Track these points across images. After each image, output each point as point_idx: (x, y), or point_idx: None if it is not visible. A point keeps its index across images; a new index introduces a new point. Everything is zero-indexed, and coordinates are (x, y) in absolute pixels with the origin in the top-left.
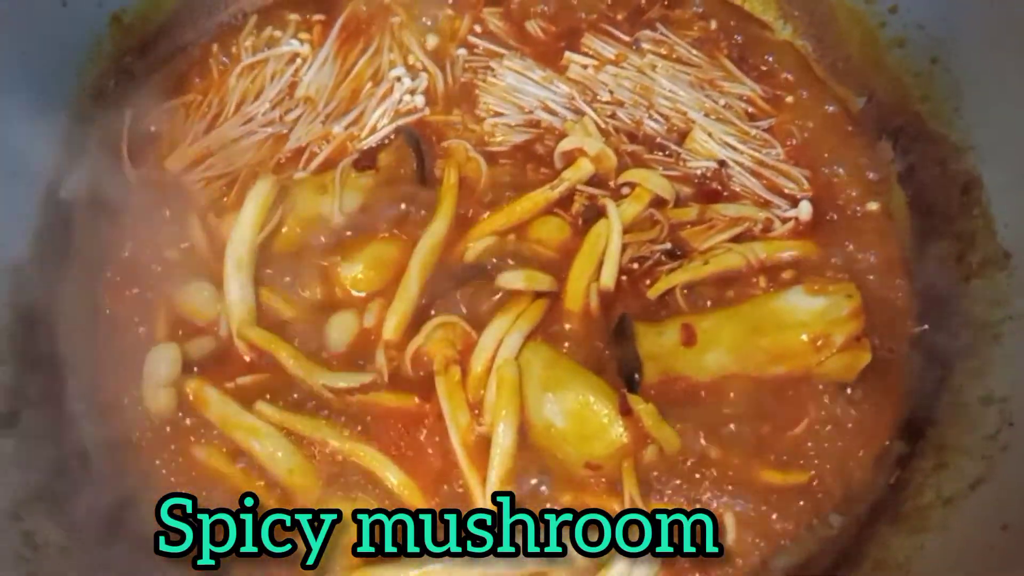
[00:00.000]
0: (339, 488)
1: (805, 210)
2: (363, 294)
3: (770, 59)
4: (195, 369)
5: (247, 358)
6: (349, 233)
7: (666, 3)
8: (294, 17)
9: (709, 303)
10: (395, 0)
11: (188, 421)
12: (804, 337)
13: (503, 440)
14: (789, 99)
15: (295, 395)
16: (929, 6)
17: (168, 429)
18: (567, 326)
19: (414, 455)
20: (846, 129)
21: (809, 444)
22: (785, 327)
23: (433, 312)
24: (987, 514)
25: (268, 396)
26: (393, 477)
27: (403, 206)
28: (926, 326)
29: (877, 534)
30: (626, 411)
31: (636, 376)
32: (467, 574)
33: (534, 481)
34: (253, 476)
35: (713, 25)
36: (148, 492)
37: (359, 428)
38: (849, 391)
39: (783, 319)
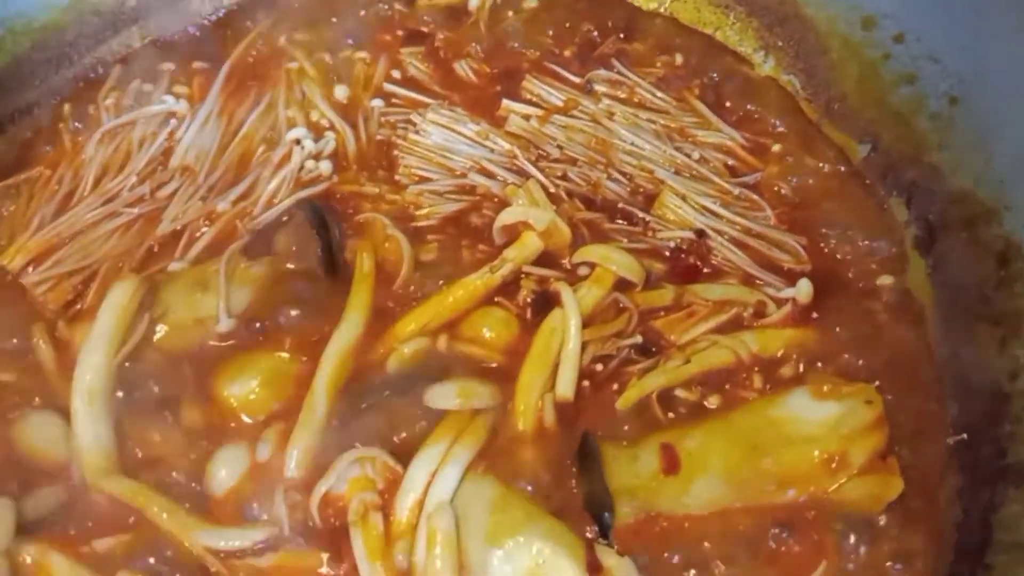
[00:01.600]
0: None
1: (804, 289)
2: (256, 419)
3: (750, 100)
4: (38, 530)
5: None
6: (237, 341)
7: (622, 35)
8: (167, 66)
9: (693, 413)
10: (292, 41)
11: None
12: (815, 455)
13: None
14: (776, 148)
15: (170, 560)
16: (945, 34)
17: None
18: (517, 449)
19: None
20: (849, 185)
21: None
22: (790, 443)
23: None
24: None
25: (134, 564)
26: None
27: (304, 304)
28: (964, 436)
29: None
30: (595, 568)
31: (606, 517)
32: None
33: None
34: None
35: (679, 60)
36: None
37: None
38: (875, 526)
39: (787, 432)
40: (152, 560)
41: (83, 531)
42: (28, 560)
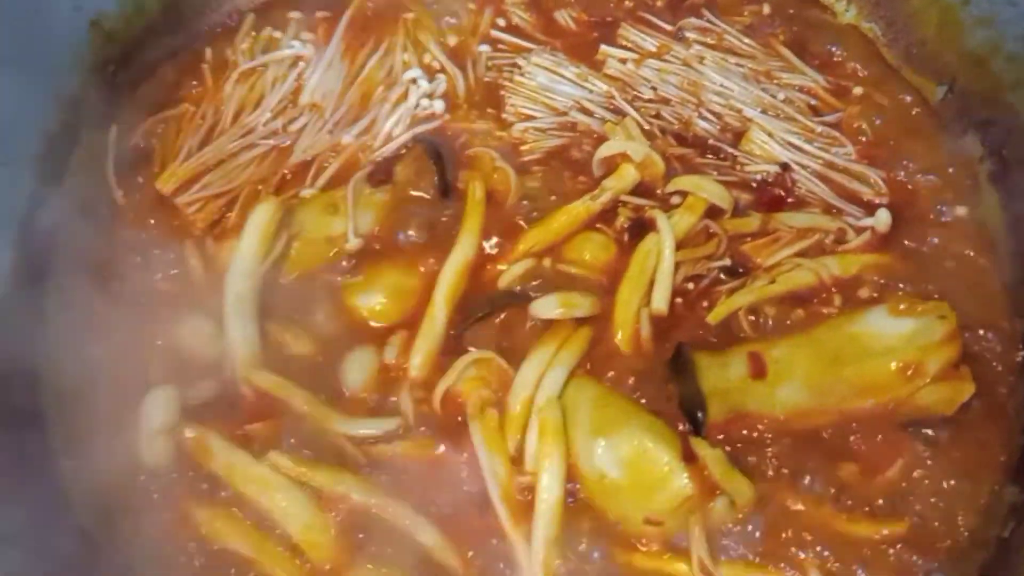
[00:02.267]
0: (363, 555)
1: (883, 219)
2: (383, 326)
3: (833, 46)
4: (197, 417)
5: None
6: (364, 257)
7: None
8: (295, 15)
9: (778, 328)
10: None
11: (189, 475)
12: (892, 366)
13: (548, 493)
14: (857, 90)
15: (311, 445)
16: None
17: (165, 486)
18: (617, 357)
19: (448, 511)
20: (926, 123)
21: (905, 489)
22: (869, 354)
23: (471, 347)
24: None
25: (280, 446)
26: (427, 538)
27: (423, 227)
28: None
29: None
30: (690, 458)
31: (699, 415)
32: None
33: (586, 540)
34: (262, 538)
35: (766, 9)
36: (145, 564)
37: (385, 481)
38: (948, 428)
39: (866, 345)
40: (294, 442)
41: (235, 418)
42: (189, 438)
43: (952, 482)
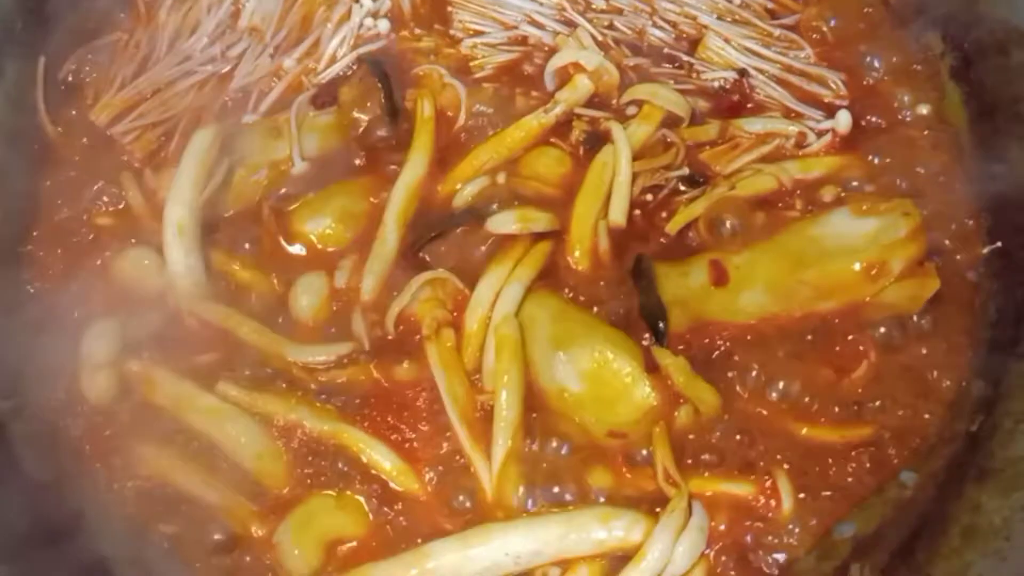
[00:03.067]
0: (318, 482)
1: (844, 120)
2: (333, 250)
3: None
4: (141, 350)
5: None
6: (311, 181)
7: None
8: None
9: (740, 234)
10: None
11: (131, 411)
12: (856, 266)
13: (507, 411)
14: None
15: (261, 374)
16: None
17: (110, 422)
18: (575, 271)
19: (405, 433)
20: (884, 20)
21: (871, 390)
22: (832, 256)
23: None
24: None
25: (229, 376)
26: (385, 461)
27: (369, 148)
28: (999, 243)
29: (964, 494)
30: (652, 367)
31: (661, 325)
32: (480, 556)
33: (550, 456)
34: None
35: None
36: (89, 506)
37: (339, 407)
38: (914, 325)
39: (828, 247)
40: (247, 372)
41: (182, 350)
42: (133, 370)
43: (918, 379)
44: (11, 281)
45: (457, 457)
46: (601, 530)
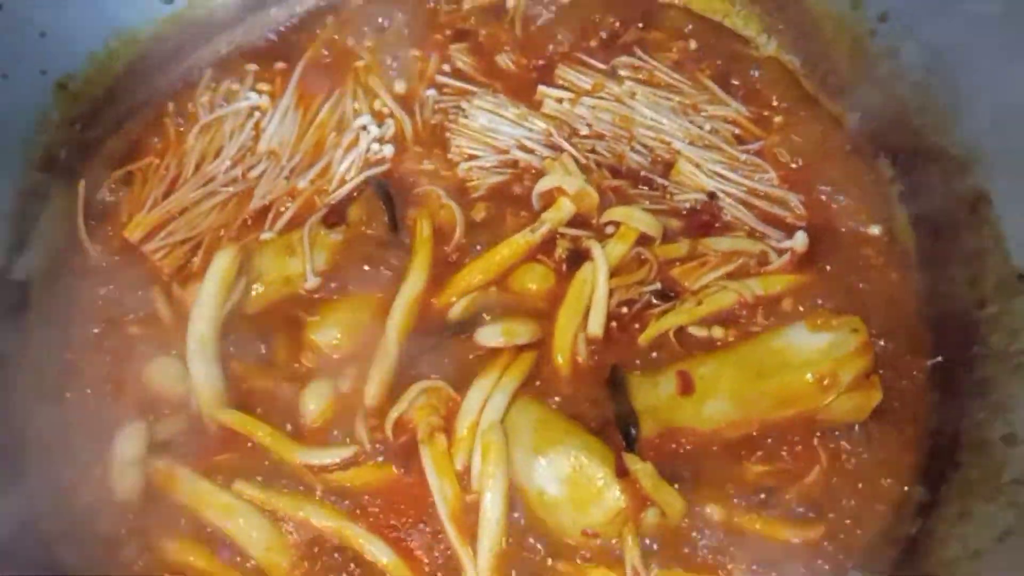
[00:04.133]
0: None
1: (801, 240)
2: (338, 358)
3: (756, 76)
4: (165, 451)
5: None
6: (320, 295)
7: (641, 25)
8: (251, 67)
9: (705, 347)
10: (360, 44)
11: (156, 507)
12: (809, 377)
13: (490, 511)
14: (778, 119)
15: (273, 474)
16: (921, 12)
17: (135, 518)
18: (557, 378)
19: (401, 529)
20: (842, 148)
21: (822, 494)
22: (789, 368)
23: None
24: (1018, 568)
25: (244, 476)
26: (382, 556)
27: (377, 264)
28: (940, 358)
29: None
30: (623, 472)
31: (632, 432)
32: None
33: (528, 553)
34: (224, 565)
35: (693, 45)
36: None
37: (342, 505)
38: (861, 433)
39: (786, 359)
40: (260, 477)
41: (202, 451)
42: (157, 469)
43: (865, 484)
44: (52, 389)
45: (449, 552)
46: None
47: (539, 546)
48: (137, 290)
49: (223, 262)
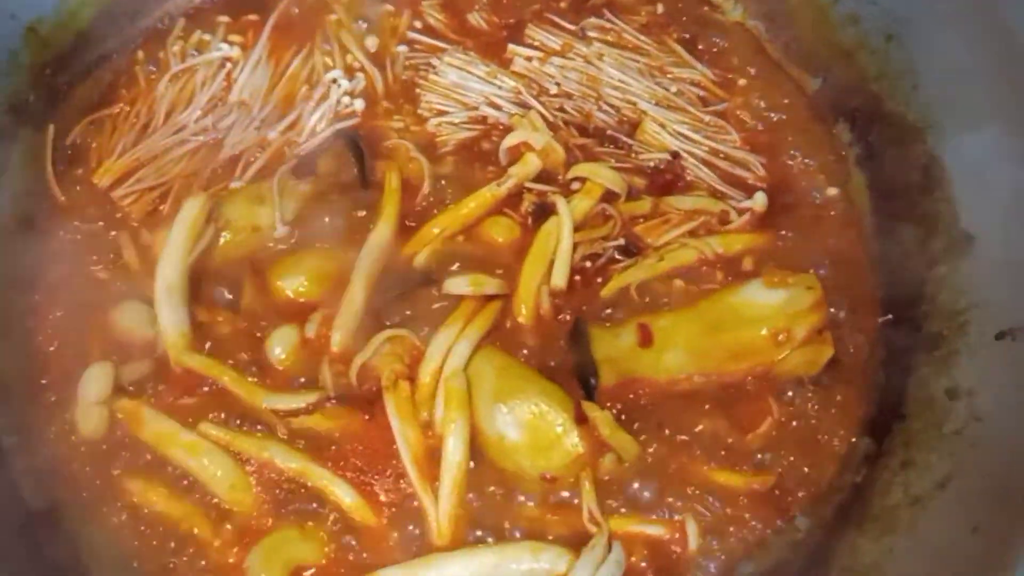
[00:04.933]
0: (286, 513)
1: (760, 200)
2: (305, 303)
3: (721, 42)
4: (132, 392)
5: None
6: (288, 244)
7: None
8: (223, 19)
9: (665, 300)
10: None
11: (122, 449)
12: (764, 332)
13: (452, 455)
14: (742, 82)
15: (238, 416)
16: None
17: (100, 457)
18: (520, 329)
19: (365, 473)
20: (802, 112)
21: (772, 444)
22: (745, 323)
23: (387, 323)
24: (956, 515)
25: (210, 418)
26: (345, 497)
27: (345, 215)
28: (890, 316)
29: (845, 537)
30: (582, 419)
31: (592, 381)
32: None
33: (489, 497)
34: (187, 503)
35: (660, 9)
36: (83, 527)
37: (306, 448)
38: (812, 387)
39: (742, 314)
40: (223, 415)
41: (169, 393)
42: (121, 410)
43: (814, 436)
44: (20, 331)
45: (410, 495)
46: (531, 561)
47: (499, 490)
48: (105, 235)
49: (192, 209)
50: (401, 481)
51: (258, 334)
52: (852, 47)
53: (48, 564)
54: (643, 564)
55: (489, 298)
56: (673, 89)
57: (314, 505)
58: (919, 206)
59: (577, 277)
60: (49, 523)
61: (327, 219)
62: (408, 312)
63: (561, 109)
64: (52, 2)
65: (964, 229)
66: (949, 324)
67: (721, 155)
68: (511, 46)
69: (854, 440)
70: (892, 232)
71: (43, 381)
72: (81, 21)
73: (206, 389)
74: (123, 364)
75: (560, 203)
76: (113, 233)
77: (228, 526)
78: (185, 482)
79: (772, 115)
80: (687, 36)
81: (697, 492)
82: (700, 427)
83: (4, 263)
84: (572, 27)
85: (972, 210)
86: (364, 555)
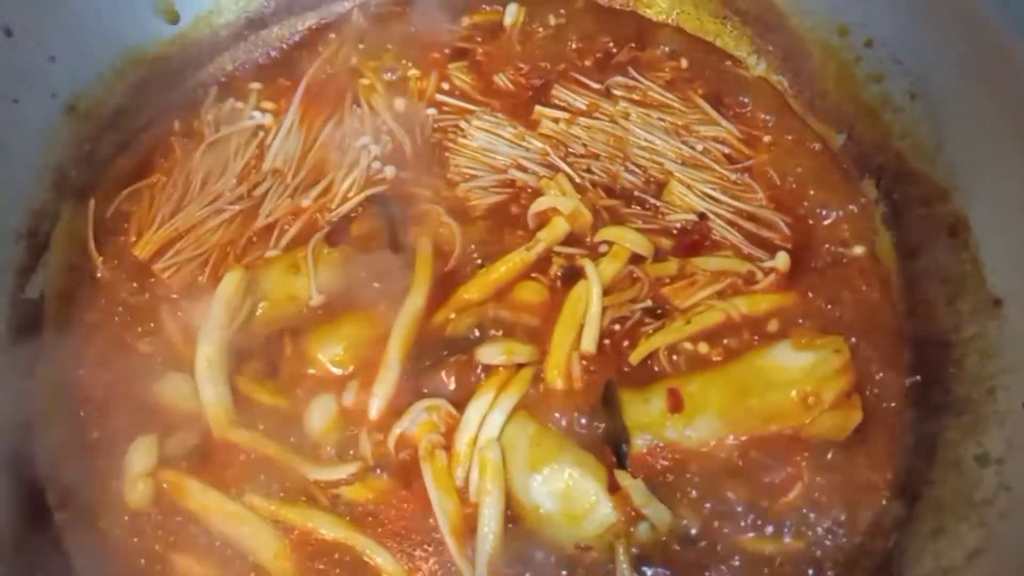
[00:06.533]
0: None
1: (783, 260)
2: (341, 372)
3: (745, 99)
4: (176, 464)
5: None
6: (323, 311)
7: (635, 45)
8: (255, 86)
9: (694, 364)
10: (361, 62)
11: (168, 520)
12: (793, 395)
13: (487, 526)
14: (767, 139)
15: (281, 486)
16: (904, 40)
17: (146, 529)
18: (551, 394)
19: (403, 541)
20: (829, 168)
21: (804, 509)
22: (774, 386)
23: (425, 391)
24: None
25: (254, 489)
26: (387, 565)
27: (378, 279)
28: (918, 378)
29: None
30: (615, 488)
31: (623, 448)
32: None
33: (524, 563)
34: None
35: (684, 64)
36: None
37: (347, 516)
38: (842, 451)
39: (771, 377)
40: (269, 486)
41: (211, 465)
42: (166, 481)
43: (844, 500)
44: (66, 406)
45: (448, 562)
46: None
47: (537, 558)
48: (146, 307)
49: (229, 285)
50: (439, 548)
51: (297, 404)
52: (876, 105)
53: None
54: None
55: (521, 365)
56: (699, 148)
57: (354, 574)
58: (946, 267)
59: (606, 341)
60: None
61: (361, 286)
62: (442, 379)
63: (588, 170)
64: (89, 78)
65: (991, 292)
66: (977, 388)
67: (747, 215)
68: (538, 107)
69: (884, 504)
70: (919, 292)
71: (90, 456)
72: (118, 95)
73: (249, 458)
74: (167, 436)
75: (588, 267)
76: (153, 306)
77: None
78: (228, 552)
79: (797, 172)
80: (712, 92)
81: (729, 560)
82: (731, 494)
83: (51, 339)
84: (598, 86)
85: (999, 273)
86: None
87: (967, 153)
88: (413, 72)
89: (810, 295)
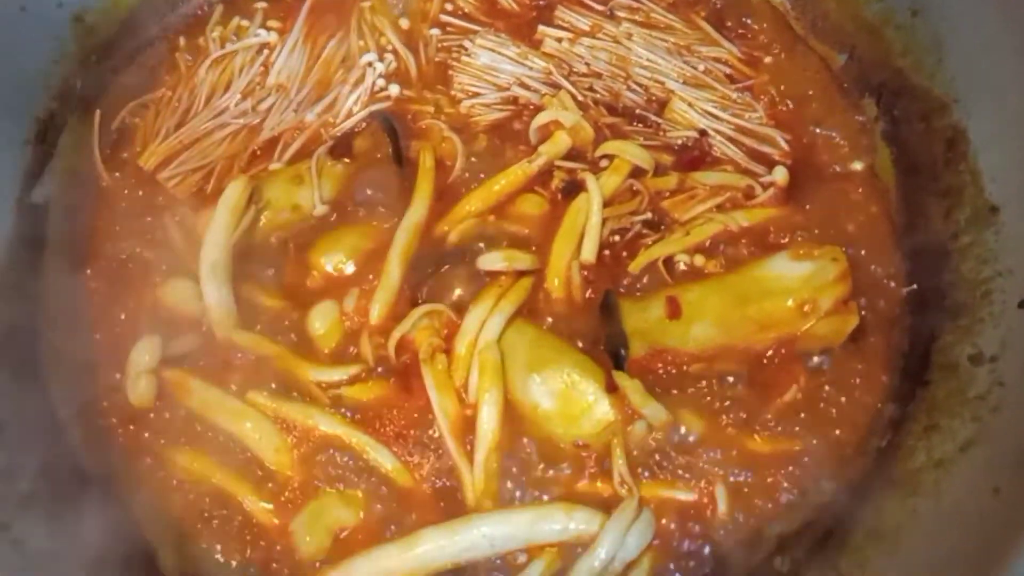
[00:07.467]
0: (326, 477)
1: (781, 174)
2: (343, 278)
3: (748, 20)
4: (179, 364)
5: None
6: (328, 221)
7: None
8: (261, 5)
9: (693, 274)
10: None
11: (170, 419)
12: (790, 303)
13: (486, 423)
14: (768, 59)
15: (283, 386)
16: None
17: (149, 426)
18: (551, 302)
19: (403, 440)
20: (828, 88)
21: (799, 411)
22: (771, 294)
23: (421, 298)
24: (978, 477)
25: (256, 388)
26: (385, 461)
27: (380, 191)
28: (915, 286)
29: (870, 499)
30: (612, 388)
31: (622, 352)
32: (462, 539)
33: (523, 462)
34: (232, 469)
35: None
36: (136, 493)
37: (349, 416)
38: (838, 355)
39: (769, 286)
40: (273, 385)
41: (216, 364)
42: (169, 378)
43: (839, 403)
44: (70, 308)
45: (446, 460)
46: (564, 520)
47: (533, 456)
48: (151, 216)
49: (234, 192)
50: (438, 447)
51: (299, 308)
52: (878, 22)
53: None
54: (672, 527)
55: (521, 273)
56: (700, 67)
57: (353, 470)
58: (944, 178)
59: (606, 252)
60: (104, 488)
61: (364, 198)
62: (443, 287)
63: (591, 89)
64: None
65: (988, 200)
66: (973, 293)
67: (747, 131)
68: (541, 27)
69: (879, 406)
70: (917, 204)
71: (95, 355)
72: (124, 9)
73: (250, 360)
74: (171, 338)
75: (590, 180)
76: (158, 214)
77: (271, 488)
78: (230, 445)
79: (798, 91)
80: (714, 14)
81: (725, 458)
82: (727, 395)
83: (56, 243)
84: (601, 7)
85: (996, 181)
86: (402, 517)
87: (967, 66)
88: None
89: (808, 208)
